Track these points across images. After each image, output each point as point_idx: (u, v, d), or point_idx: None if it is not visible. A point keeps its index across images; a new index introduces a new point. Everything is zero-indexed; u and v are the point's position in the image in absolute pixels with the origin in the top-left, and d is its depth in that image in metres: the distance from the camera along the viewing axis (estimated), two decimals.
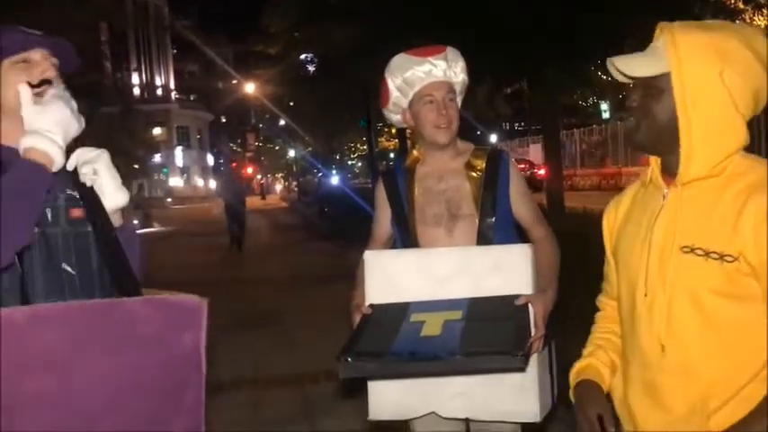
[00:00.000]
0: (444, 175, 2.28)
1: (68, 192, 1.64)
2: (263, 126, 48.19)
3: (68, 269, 1.60)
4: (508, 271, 2.06)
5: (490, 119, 26.23)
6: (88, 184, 1.65)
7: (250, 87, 32.48)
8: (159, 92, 51.31)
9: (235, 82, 43.56)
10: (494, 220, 2.23)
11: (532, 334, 1.95)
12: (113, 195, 1.69)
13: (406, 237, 2.29)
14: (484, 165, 2.27)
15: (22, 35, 1.64)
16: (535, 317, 1.99)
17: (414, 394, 2.13)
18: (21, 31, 1.65)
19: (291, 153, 44.46)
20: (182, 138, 52.87)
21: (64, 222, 1.62)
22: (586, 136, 29.00)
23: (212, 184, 48.63)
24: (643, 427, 1.51)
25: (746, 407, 1.32)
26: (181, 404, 1.53)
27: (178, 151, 51.69)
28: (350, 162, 50.39)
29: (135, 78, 48.89)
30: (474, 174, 2.27)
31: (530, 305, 1.99)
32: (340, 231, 13.60)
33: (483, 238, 2.22)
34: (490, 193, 2.24)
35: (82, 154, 1.68)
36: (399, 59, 2.27)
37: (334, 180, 31.19)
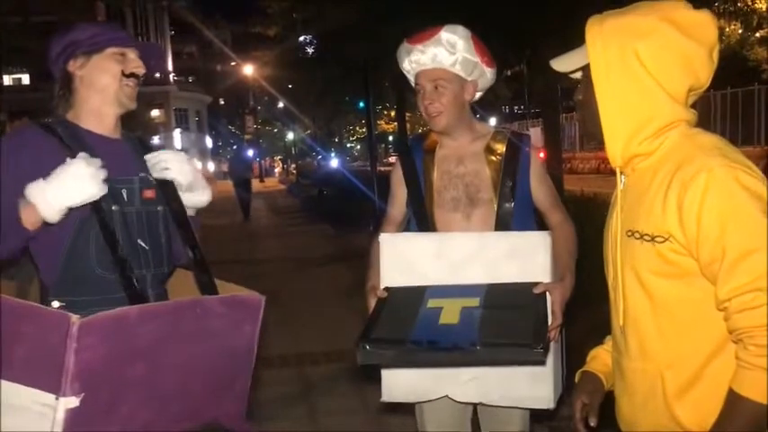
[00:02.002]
0: (463, 158, 2.26)
1: (142, 174, 1.85)
2: (261, 108, 47.97)
3: (142, 244, 1.81)
4: (526, 258, 2.04)
5: (489, 101, 26.13)
6: (157, 175, 1.87)
7: (249, 69, 32.34)
8: (157, 74, 51.00)
9: (233, 64, 43.34)
10: (513, 205, 2.20)
11: (549, 323, 1.94)
12: (191, 195, 1.92)
13: (422, 219, 2.27)
14: (504, 149, 2.24)
15: (126, 34, 1.93)
16: (553, 306, 1.97)
17: (428, 377, 2.13)
18: (125, 32, 1.96)
19: (290, 136, 44.31)
20: (180, 120, 52.58)
21: (138, 202, 1.83)
22: None
23: (211, 166, 48.50)
24: (618, 413, 1.53)
25: (712, 395, 1.31)
26: (232, 390, 1.68)
27: (176, 133, 51.44)
28: (349, 145, 50.25)
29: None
30: (494, 158, 2.24)
31: (548, 294, 1.98)
32: (338, 214, 13.60)
33: (502, 224, 2.19)
34: (510, 179, 2.21)
35: (158, 155, 1.89)
36: (400, 48, 2.26)
37: (334, 163, 31.14)
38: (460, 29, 2.19)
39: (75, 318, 1.25)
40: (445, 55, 2.17)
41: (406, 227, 2.37)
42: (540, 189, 2.28)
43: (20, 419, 1.29)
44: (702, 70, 1.38)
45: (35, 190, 1.60)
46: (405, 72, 2.29)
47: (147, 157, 1.88)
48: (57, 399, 1.25)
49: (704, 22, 1.37)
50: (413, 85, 2.31)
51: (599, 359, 1.65)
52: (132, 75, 1.85)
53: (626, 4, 1.46)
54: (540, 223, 2.32)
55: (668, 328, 1.37)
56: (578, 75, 1.53)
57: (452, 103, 2.22)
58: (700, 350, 1.35)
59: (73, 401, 1.25)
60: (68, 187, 1.60)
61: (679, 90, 1.38)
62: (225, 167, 29.20)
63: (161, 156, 1.87)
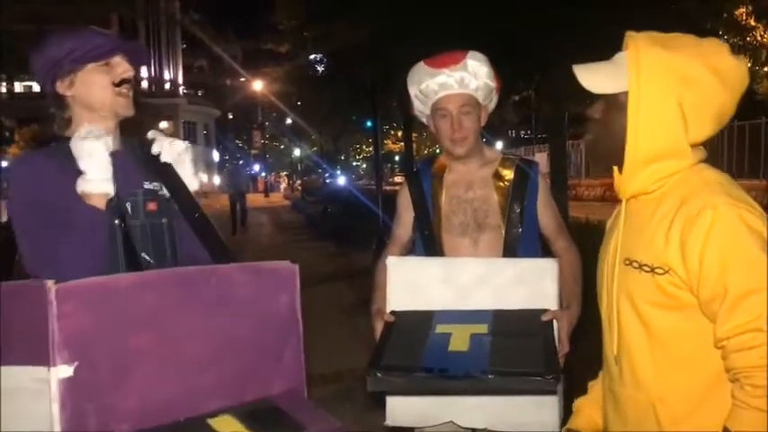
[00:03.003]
0: (472, 184, 2.26)
1: (146, 186, 1.82)
2: (268, 124, 48.23)
3: (146, 258, 1.77)
4: (533, 285, 2.04)
5: (496, 126, 26.25)
6: (168, 159, 1.85)
7: (258, 85, 32.55)
8: (167, 86, 51.32)
9: (243, 79, 43.61)
10: (520, 231, 2.20)
11: (558, 350, 1.93)
12: (187, 181, 1.88)
13: (429, 244, 2.27)
14: (512, 175, 2.25)
15: (103, 39, 1.78)
16: (560, 333, 1.97)
17: (433, 402, 2.11)
18: (101, 35, 1.80)
19: (297, 152, 44.49)
20: (188, 133, 52.79)
21: (142, 215, 1.79)
22: None
23: (217, 180, 48.65)
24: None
25: (709, 430, 1.30)
26: (280, 364, 1.61)
27: None
28: (355, 163, 50.42)
29: (143, 71, 48.94)
30: (502, 184, 2.24)
31: (555, 321, 1.97)
32: (342, 232, 13.60)
33: (509, 250, 2.20)
34: (518, 205, 2.22)
35: (171, 142, 1.88)
36: (416, 69, 2.25)
37: (341, 180, 31.25)
38: (481, 55, 2.22)
39: (50, 283, 1.22)
40: (471, 80, 2.19)
41: (411, 249, 2.37)
42: (545, 215, 2.28)
43: (20, 401, 1.26)
44: (728, 118, 1.40)
45: (81, 184, 1.64)
46: (418, 93, 2.27)
47: (159, 137, 1.87)
48: (48, 370, 1.22)
49: (742, 72, 1.37)
50: (420, 108, 2.31)
51: (583, 414, 1.65)
52: (123, 81, 1.78)
53: (638, 29, 1.44)
54: (545, 249, 2.32)
55: (663, 360, 1.37)
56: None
57: (475, 128, 2.24)
58: (694, 384, 1.34)
59: (65, 370, 1.22)
60: (87, 155, 1.63)
61: (705, 136, 1.39)
62: (224, 180, 29.94)
63: (177, 146, 1.87)
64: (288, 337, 1.63)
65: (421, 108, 2.32)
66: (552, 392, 1.87)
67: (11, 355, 1.28)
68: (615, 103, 1.42)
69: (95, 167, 1.64)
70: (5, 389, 1.28)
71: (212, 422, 1.40)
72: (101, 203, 1.66)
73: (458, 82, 2.19)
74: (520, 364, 1.76)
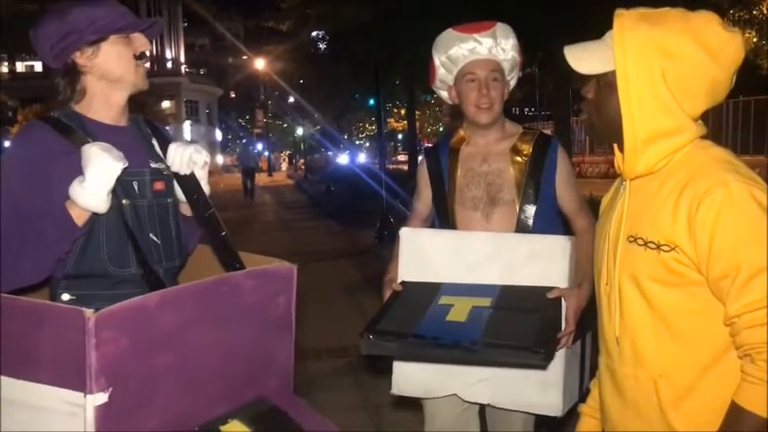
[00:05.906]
0: (488, 157, 2.24)
1: (153, 165, 1.79)
2: (271, 102, 48.00)
3: (154, 238, 1.75)
4: (544, 262, 2.03)
5: None
6: (186, 171, 1.82)
7: (260, 63, 32.34)
8: (169, 65, 51.05)
9: (245, 58, 43.35)
10: (535, 208, 2.17)
11: (562, 329, 1.93)
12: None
13: (443, 217, 2.27)
14: (530, 150, 2.22)
15: (120, 13, 1.75)
16: (567, 312, 1.95)
17: (439, 374, 2.13)
18: (119, 9, 1.76)
19: (299, 131, 44.34)
20: (191, 112, 52.65)
21: (149, 194, 1.77)
22: None
23: (220, 159, 48.67)
24: (605, 413, 1.52)
25: (707, 407, 1.32)
26: (274, 363, 1.64)
27: (186, 125, 51.50)
28: (358, 142, 50.25)
29: None
30: (519, 158, 2.21)
31: (563, 299, 1.96)
32: (345, 210, 13.62)
33: (522, 226, 2.17)
34: (534, 180, 2.18)
35: (188, 149, 1.83)
36: (445, 35, 2.22)
37: (344, 159, 31.19)
38: (509, 27, 2.20)
39: (89, 312, 1.21)
40: (500, 49, 2.18)
41: (432, 223, 2.37)
42: (565, 193, 2.24)
43: (52, 421, 1.27)
44: (724, 92, 1.37)
45: (75, 190, 1.58)
46: (445, 60, 2.23)
47: (173, 153, 1.82)
48: (84, 397, 1.23)
49: (735, 45, 1.33)
50: (443, 77, 2.26)
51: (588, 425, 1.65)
52: (142, 54, 1.78)
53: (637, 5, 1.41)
54: (567, 227, 2.29)
55: (665, 337, 1.37)
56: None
57: (501, 97, 2.22)
58: (695, 361, 1.35)
59: (101, 398, 1.23)
60: (98, 172, 1.57)
61: (698, 111, 1.37)
62: (233, 160, 30.92)
63: (193, 155, 1.82)
64: (282, 337, 1.66)
65: (444, 77, 2.27)
66: (541, 367, 1.87)
67: (45, 374, 1.28)
68: (606, 83, 1.41)
69: (99, 184, 1.59)
70: (40, 407, 1.29)
71: (224, 429, 1.44)
72: (80, 217, 1.61)
73: (487, 48, 2.17)
74: (511, 338, 1.77)
